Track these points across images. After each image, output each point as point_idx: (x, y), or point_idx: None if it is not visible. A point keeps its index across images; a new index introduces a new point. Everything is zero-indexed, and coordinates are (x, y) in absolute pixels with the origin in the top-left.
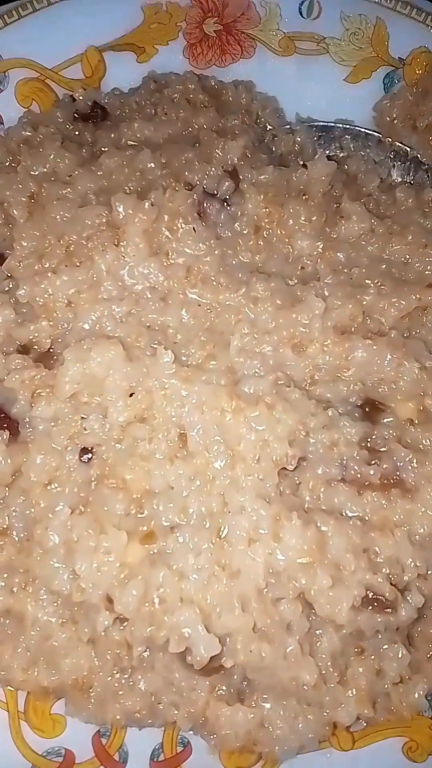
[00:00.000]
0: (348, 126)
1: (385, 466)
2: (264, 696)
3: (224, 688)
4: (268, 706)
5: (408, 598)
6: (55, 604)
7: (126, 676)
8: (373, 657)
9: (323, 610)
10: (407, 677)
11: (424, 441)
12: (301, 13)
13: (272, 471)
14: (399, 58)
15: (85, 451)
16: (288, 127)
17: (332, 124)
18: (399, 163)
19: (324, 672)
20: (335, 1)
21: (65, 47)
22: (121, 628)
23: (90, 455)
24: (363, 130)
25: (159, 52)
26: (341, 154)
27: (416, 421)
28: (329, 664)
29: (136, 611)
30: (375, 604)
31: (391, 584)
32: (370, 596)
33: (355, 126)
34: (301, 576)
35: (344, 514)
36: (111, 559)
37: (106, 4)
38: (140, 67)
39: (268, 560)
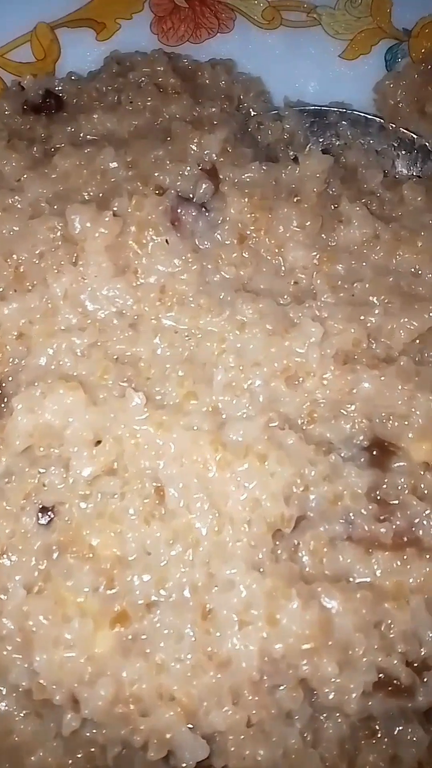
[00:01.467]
0: (345, 110)
1: (398, 522)
2: None
3: None
4: None
5: (425, 680)
6: (14, 695)
7: None
8: (386, 740)
9: (329, 700)
10: (427, 764)
11: None
12: None
13: (265, 535)
14: (404, 29)
15: (44, 510)
16: (275, 112)
17: (326, 108)
18: (404, 152)
19: (329, 765)
20: None
21: (11, 25)
22: (94, 731)
23: (51, 515)
24: (362, 114)
25: (122, 28)
26: (337, 143)
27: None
28: (335, 753)
29: (107, 713)
30: (389, 688)
31: (406, 664)
32: (383, 679)
33: (353, 110)
34: (303, 663)
35: (351, 580)
36: (74, 655)
37: None
38: (100, 47)
39: (263, 646)
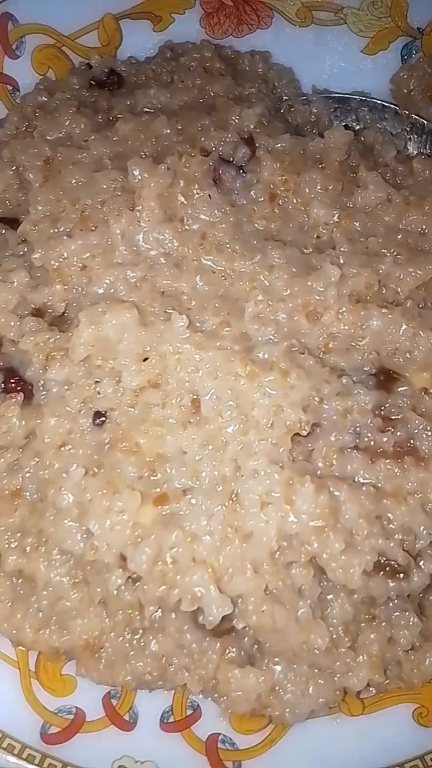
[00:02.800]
0: (364, 98)
1: (399, 434)
2: (275, 660)
3: (235, 651)
4: (278, 669)
5: (420, 564)
6: (67, 565)
7: (137, 637)
8: (384, 624)
9: (335, 575)
10: (418, 645)
11: None
12: None
13: (285, 436)
14: (418, 28)
15: (98, 414)
16: (304, 97)
17: (348, 96)
18: (416, 136)
19: (335, 637)
20: None
21: (82, 14)
22: (134, 588)
23: (103, 419)
24: (380, 102)
25: (175, 21)
26: (357, 127)
27: (431, 391)
28: (340, 630)
29: (149, 571)
30: (387, 569)
31: (403, 550)
32: (383, 561)
33: (372, 98)
34: (314, 540)
35: (357, 481)
36: (125, 518)
37: None
38: (156, 36)
39: (281, 523)
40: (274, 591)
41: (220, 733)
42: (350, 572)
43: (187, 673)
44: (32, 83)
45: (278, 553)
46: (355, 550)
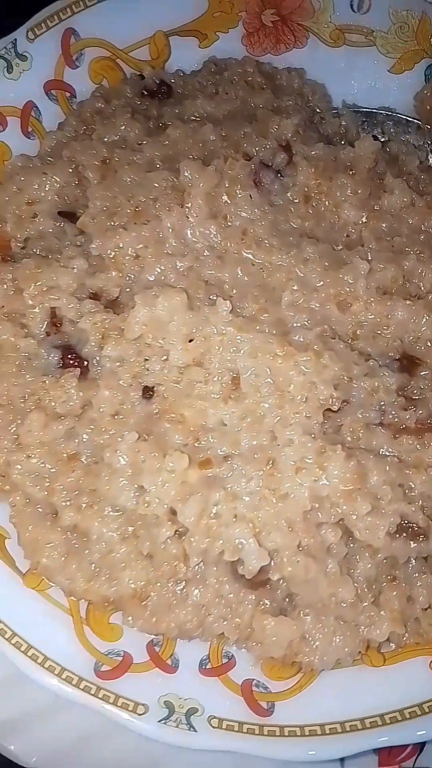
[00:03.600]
0: (390, 113)
1: (420, 412)
2: (305, 611)
3: (268, 602)
4: (308, 620)
5: None
6: (118, 521)
7: (180, 588)
8: (404, 585)
9: (362, 535)
10: None
11: None
12: (352, 8)
13: (318, 410)
14: None
15: (147, 389)
16: (335, 111)
17: (375, 111)
18: None
19: (360, 593)
20: None
21: (135, 30)
22: (180, 541)
23: (151, 393)
24: (404, 116)
25: (219, 39)
26: (383, 139)
27: None
28: (365, 587)
29: (196, 524)
30: (409, 531)
31: (424, 514)
32: (405, 524)
33: (397, 113)
34: (343, 503)
35: (381, 453)
36: (174, 477)
37: None
38: (201, 52)
39: (313, 486)
40: (306, 547)
41: (254, 679)
42: (375, 533)
43: (224, 622)
44: (87, 91)
45: (310, 513)
46: (380, 513)
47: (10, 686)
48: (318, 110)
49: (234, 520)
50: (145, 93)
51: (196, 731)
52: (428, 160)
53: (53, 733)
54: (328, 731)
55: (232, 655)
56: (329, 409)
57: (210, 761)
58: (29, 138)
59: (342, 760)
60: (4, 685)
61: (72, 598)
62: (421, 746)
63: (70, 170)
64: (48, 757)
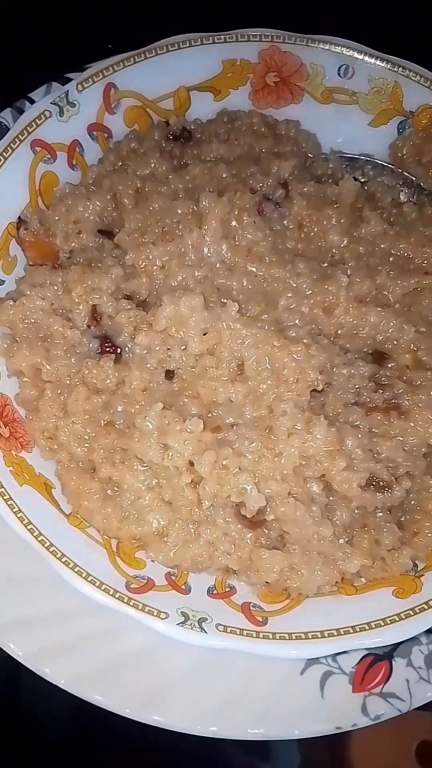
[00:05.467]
0: (369, 158)
1: (387, 394)
2: (294, 547)
3: (264, 539)
4: (296, 553)
5: (402, 483)
6: (146, 474)
7: (194, 527)
8: (373, 531)
9: (339, 486)
10: (398, 547)
11: (416, 380)
12: (339, 74)
13: (306, 390)
14: (410, 110)
15: (169, 372)
16: (324, 156)
17: (357, 156)
18: (407, 188)
19: (337, 534)
20: (365, 67)
21: (163, 85)
22: (194, 488)
23: (172, 375)
24: (380, 162)
25: (231, 94)
26: (363, 179)
27: (410, 367)
28: (341, 530)
29: (209, 473)
30: (376, 485)
31: (388, 472)
32: (373, 479)
33: (375, 159)
34: (324, 460)
35: (356, 425)
36: (193, 435)
37: (195, 57)
38: (216, 104)
39: (302, 447)
40: (295, 495)
41: (251, 602)
42: (349, 484)
43: (229, 556)
44: (121, 133)
45: (299, 468)
46: (353, 469)
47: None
48: (310, 155)
49: (239, 471)
50: (170, 137)
51: (207, 633)
52: (400, 198)
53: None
54: (311, 637)
55: (233, 586)
56: (315, 390)
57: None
58: (73, 170)
59: (322, 686)
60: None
61: (105, 536)
62: (388, 675)
63: (109, 197)
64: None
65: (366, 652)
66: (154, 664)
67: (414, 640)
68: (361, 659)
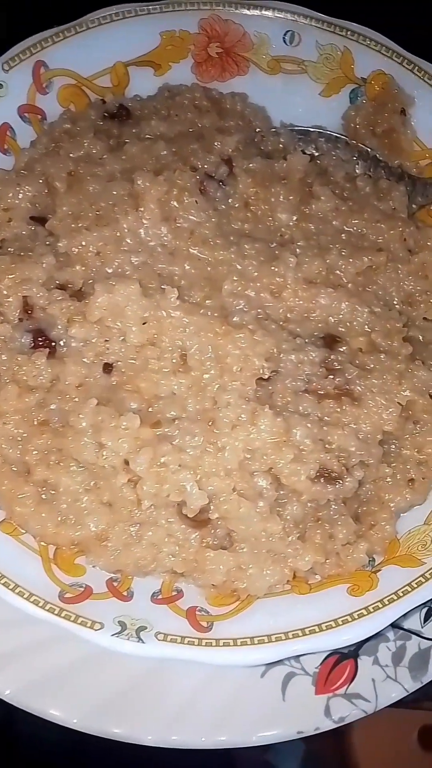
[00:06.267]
0: (322, 131)
1: (338, 379)
2: (242, 546)
3: (210, 539)
4: (244, 552)
5: (353, 473)
6: (83, 475)
7: (135, 529)
8: (327, 525)
9: (287, 479)
10: (353, 541)
11: (369, 364)
12: (285, 41)
13: (251, 379)
14: (362, 77)
15: (107, 366)
16: (274, 130)
17: (309, 129)
18: (362, 161)
19: (287, 530)
20: (312, 33)
21: (98, 61)
22: (133, 488)
23: (111, 368)
24: (334, 134)
25: (172, 68)
26: (316, 153)
27: (364, 350)
28: (291, 525)
29: (147, 471)
30: (327, 476)
31: (339, 462)
32: (324, 471)
33: (328, 131)
34: (271, 453)
35: (306, 414)
36: (128, 433)
37: (131, 30)
38: (157, 80)
39: (246, 440)
40: (240, 491)
41: (198, 606)
42: (297, 477)
43: (173, 558)
44: (56, 114)
45: (245, 462)
46: (301, 461)
47: None
48: (259, 129)
49: (179, 468)
50: (107, 115)
51: (144, 643)
52: (355, 171)
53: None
54: (257, 642)
55: (181, 589)
56: (262, 378)
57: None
58: (6, 155)
59: (284, 688)
60: None
61: (42, 543)
62: (353, 675)
63: (41, 181)
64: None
65: (330, 650)
66: (106, 671)
67: (380, 636)
68: (326, 658)
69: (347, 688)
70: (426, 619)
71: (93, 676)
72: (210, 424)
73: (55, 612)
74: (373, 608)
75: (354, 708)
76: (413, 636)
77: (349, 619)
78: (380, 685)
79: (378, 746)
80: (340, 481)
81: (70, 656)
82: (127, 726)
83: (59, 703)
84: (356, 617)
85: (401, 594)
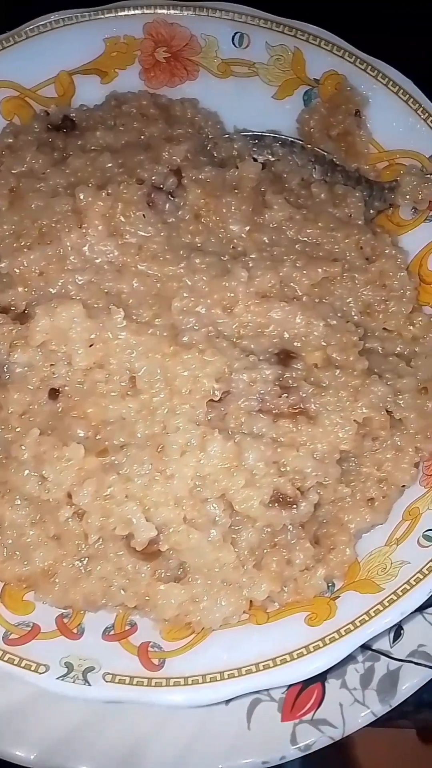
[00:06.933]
0: (276, 135)
1: (293, 398)
2: (195, 577)
3: (163, 572)
4: (198, 583)
5: (308, 496)
6: (28, 509)
7: (84, 563)
8: (284, 550)
9: (240, 506)
10: (312, 566)
11: (324, 380)
12: (234, 44)
13: (201, 401)
14: (314, 78)
15: (53, 391)
16: (227, 136)
17: (264, 134)
18: (319, 165)
19: (242, 559)
20: (261, 34)
21: (41, 71)
22: (80, 522)
23: (57, 393)
24: (289, 138)
25: (119, 75)
26: (272, 159)
27: (319, 366)
28: (246, 553)
29: (91, 504)
30: (281, 501)
31: (294, 486)
32: (278, 496)
33: (282, 135)
34: (222, 479)
35: (260, 435)
36: (71, 464)
37: (74, 38)
38: (104, 88)
39: (196, 466)
40: (191, 520)
41: (150, 641)
42: (250, 503)
43: (124, 592)
44: (0, 128)
45: (196, 490)
46: (255, 486)
47: None
48: (211, 136)
49: (126, 499)
50: (51, 127)
51: (90, 685)
52: (312, 176)
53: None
54: (208, 680)
55: (135, 623)
56: (212, 400)
57: None
58: None
59: (249, 715)
60: None
61: None
62: (320, 700)
63: None
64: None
65: None
66: (62, 707)
67: (349, 657)
68: (292, 683)
69: (314, 713)
70: (395, 639)
71: (49, 712)
72: (159, 450)
73: None
74: (329, 639)
75: (321, 735)
76: (382, 657)
77: (305, 652)
78: (348, 710)
79: (379, 746)
80: (296, 506)
81: (24, 692)
82: (85, 765)
83: (9, 740)
84: (312, 650)
85: (358, 624)
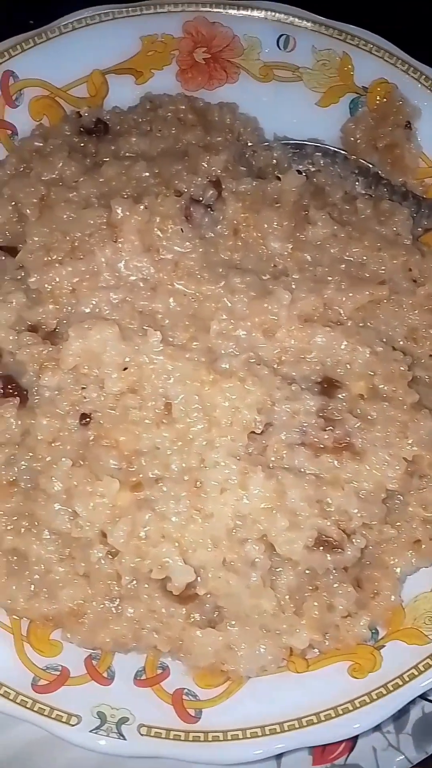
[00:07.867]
0: (318, 144)
1: (338, 432)
2: (231, 623)
3: (198, 615)
4: (234, 630)
5: (354, 540)
6: (56, 543)
7: (115, 604)
8: (325, 594)
9: (282, 549)
10: (354, 612)
11: (371, 413)
12: (278, 46)
13: (242, 434)
14: (363, 86)
15: (84, 416)
16: (266, 144)
17: (305, 143)
18: (362, 178)
19: (282, 603)
20: (308, 36)
21: (73, 70)
22: (112, 561)
23: (88, 419)
24: (331, 148)
25: (155, 76)
26: (312, 169)
27: (366, 397)
28: (287, 597)
29: (126, 544)
30: (326, 544)
31: (339, 528)
32: (322, 538)
33: (325, 144)
34: (264, 519)
35: (302, 471)
36: (105, 501)
37: (109, 35)
38: (138, 89)
39: (236, 505)
40: (230, 563)
41: (185, 688)
42: (293, 546)
43: (157, 635)
44: (29, 129)
45: (234, 530)
46: (297, 528)
47: None
48: (250, 143)
49: (162, 539)
50: (82, 130)
51: (125, 739)
52: (355, 188)
53: None
54: (249, 735)
55: (167, 666)
56: (253, 432)
57: None
58: None
59: (279, 759)
60: None
61: (14, 617)
62: (353, 744)
63: (11, 207)
64: None
65: None
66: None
67: None
68: None
69: (346, 758)
70: None
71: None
72: (197, 486)
73: (28, 705)
74: (376, 695)
75: None
76: (417, 698)
77: (350, 708)
78: (381, 755)
79: None
80: (341, 549)
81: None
82: None
83: None
84: (358, 705)
85: (407, 678)
